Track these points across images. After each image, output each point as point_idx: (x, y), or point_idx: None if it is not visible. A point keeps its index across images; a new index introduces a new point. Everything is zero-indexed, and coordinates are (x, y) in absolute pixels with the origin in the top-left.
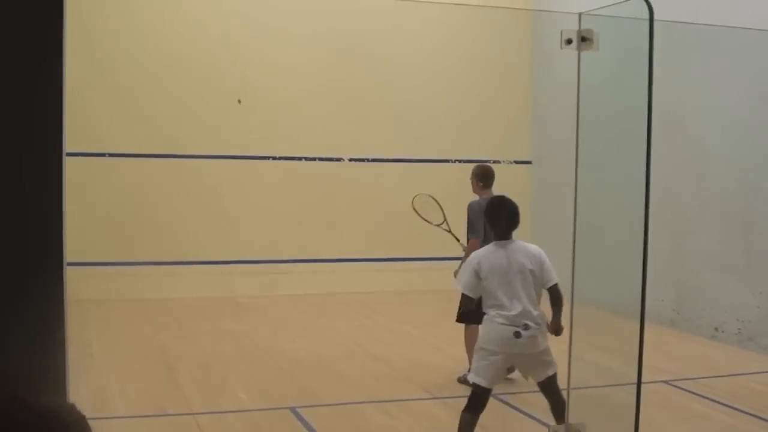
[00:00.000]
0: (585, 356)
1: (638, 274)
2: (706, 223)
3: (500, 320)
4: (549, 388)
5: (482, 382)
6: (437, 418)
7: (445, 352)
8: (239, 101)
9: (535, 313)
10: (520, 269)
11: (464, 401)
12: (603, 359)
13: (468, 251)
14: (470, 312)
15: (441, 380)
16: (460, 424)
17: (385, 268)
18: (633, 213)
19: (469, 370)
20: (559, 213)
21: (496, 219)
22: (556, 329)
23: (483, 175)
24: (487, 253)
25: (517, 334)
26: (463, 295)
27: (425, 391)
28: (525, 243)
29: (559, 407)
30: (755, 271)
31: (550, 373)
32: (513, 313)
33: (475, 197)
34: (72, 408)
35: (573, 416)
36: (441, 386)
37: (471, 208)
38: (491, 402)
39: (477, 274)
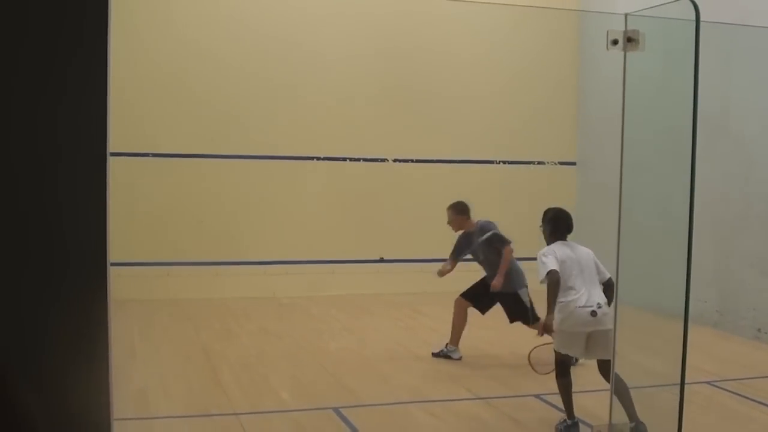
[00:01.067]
0: (629, 357)
1: (682, 276)
2: (750, 226)
3: (577, 304)
4: (608, 367)
5: (567, 351)
6: (481, 419)
7: (489, 353)
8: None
9: (603, 298)
10: (587, 261)
11: (508, 401)
12: (647, 360)
13: (507, 257)
14: (476, 295)
15: (485, 381)
16: (560, 389)
17: (429, 268)
18: (677, 215)
19: (446, 345)
20: (603, 215)
21: (558, 223)
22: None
23: (464, 209)
24: (555, 248)
25: (593, 313)
26: (550, 282)
27: (468, 391)
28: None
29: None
30: None
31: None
32: (587, 297)
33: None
34: None
35: (616, 416)
36: (485, 387)
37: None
38: (538, 403)
39: (557, 258)
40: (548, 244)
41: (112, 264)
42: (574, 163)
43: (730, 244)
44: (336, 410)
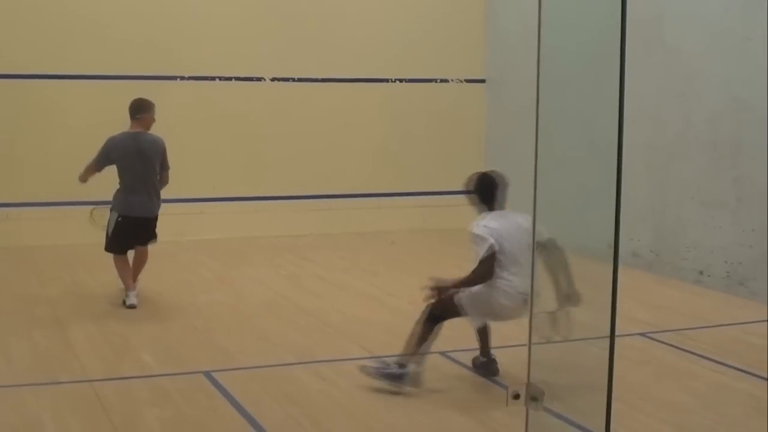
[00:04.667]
0: (549, 306)
1: (611, 211)
2: (690, 150)
3: (509, 289)
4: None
5: (472, 316)
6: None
7: (387, 304)
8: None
9: None
10: (523, 233)
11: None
12: (570, 310)
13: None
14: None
15: (381, 336)
16: (420, 332)
17: (314, 207)
18: (604, 139)
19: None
20: (518, 140)
21: (485, 189)
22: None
23: (130, 108)
24: (487, 221)
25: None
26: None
27: (363, 349)
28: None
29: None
30: (746, 205)
31: None
32: (521, 280)
33: None
34: None
35: (535, 375)
36: (382, 344)
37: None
38: (445, 361)
39: (489, 232)
40: (479, 214)
41: None
42: (483, 81)
43: (667, 173)
44: (207, 374)
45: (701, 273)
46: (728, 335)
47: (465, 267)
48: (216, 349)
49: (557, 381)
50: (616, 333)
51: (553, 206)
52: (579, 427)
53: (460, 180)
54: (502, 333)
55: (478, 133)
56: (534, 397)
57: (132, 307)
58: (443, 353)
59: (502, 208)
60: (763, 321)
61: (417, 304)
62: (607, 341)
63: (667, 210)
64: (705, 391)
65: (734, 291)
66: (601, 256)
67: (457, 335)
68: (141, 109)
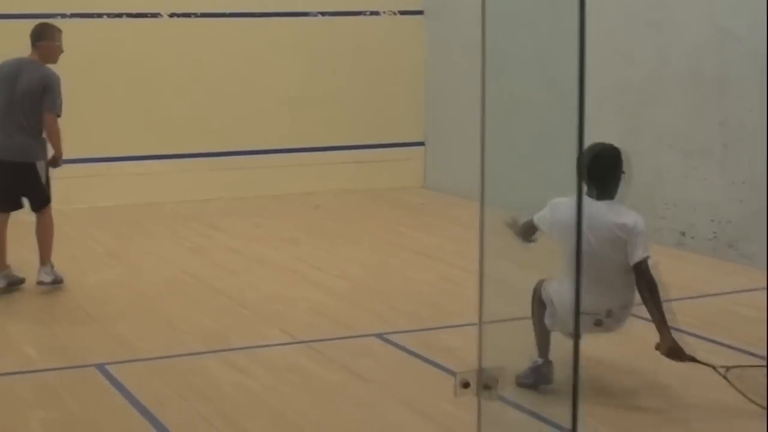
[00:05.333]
0: (503, 278)
1: (572, 163)
2: (666, 91)
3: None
4: None
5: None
6: (304, 370)
7: (310, 278)
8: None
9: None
10: (607, 238)
11: (341, 344)
12: (526, 281)
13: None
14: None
15: (305, 317)
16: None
17: (223, 165)
18: (564, 80)
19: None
20: (462, 82)
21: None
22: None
23: (30, 35)
24: (562, 207)
25: (598, 323)
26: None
27: (284, 333)
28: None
29: None
30: (734, 154)
31: None
32: (591, 296)
33: None
34: None
35: (488, 358)
36: (306, 326)
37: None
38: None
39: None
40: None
41: None
42: (420, 12)
43: (640, 118)
44: (100, 367)
45: (683, 234)
46: (717, 307)
47: (405, 233)
48: (110, 338)
49: (514, 366)
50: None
51: (504, 161)
52: (540, 418)
53: (394, 131)
54: (448, 310)
55: (416, 74)
56: (487, 385)
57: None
58: (380, 335)
59: (610, 197)
60: (759, 289)
61: (346, 278)
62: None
63: (641, 161)
64: (689, 372)
65: (722, 254)
66: None
67: (395, 314)
68: (40, 36)
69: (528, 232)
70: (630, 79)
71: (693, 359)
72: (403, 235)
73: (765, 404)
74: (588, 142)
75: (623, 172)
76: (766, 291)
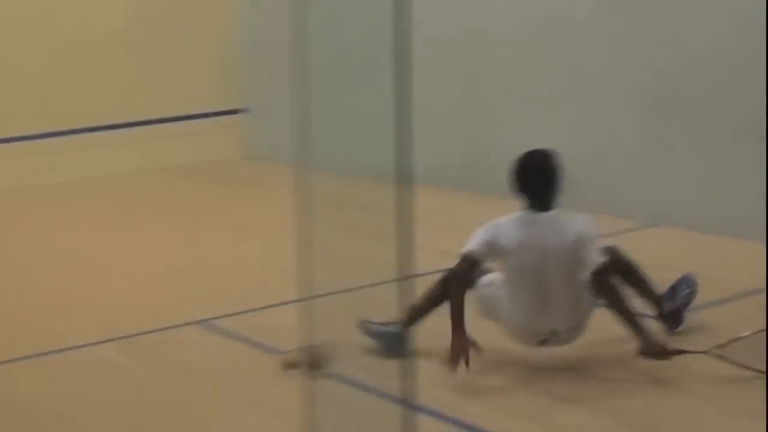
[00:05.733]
0: (332, 247)
1: (406, 121)
2: (503, 35)
3: (516, 323)
4: None
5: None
6: (122, 368)
7: (121, 266)
8: None
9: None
10: (561, 251)
11: (155, 337)
12: (357, 249)
13: None
14: None
15: (120, 310)
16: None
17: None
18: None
19: None
20: (279, 38)
21: (524, 177)
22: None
23: None
24: (508, 224)
25: (543, 342)
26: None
27: (99, 329)
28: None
29: None
30: (577, 97)
31: None
32: (538, 317)
33: None
34: None
35: (320, 334)
36: (122, 320)
37: None
38: (206, 335)
39: (491, 240)
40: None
41: None
42: None
43: (476, 66)
44: None
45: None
46: None
47: (223, 208)
48: None
49: (346, 340)
50: (420, 272)
51: (325, 117)
52: (379, 393)
53: (200, 99)
54: (274, 287)
55: (224, 31)
56: (315, 363)
57: None
58: (202, 322)
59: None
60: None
61: (162, 263)
62: (408, 285)
63: (480, 114)
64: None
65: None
66: (395, 179)
67: (217, 297)
68: None
69: (469, 271)
70: (465, 26)
71: (681, 351)
72: (222, 210)
73: (764, 370)
74: (422, 94)
75: (560, 176)
76: (765, 290)
